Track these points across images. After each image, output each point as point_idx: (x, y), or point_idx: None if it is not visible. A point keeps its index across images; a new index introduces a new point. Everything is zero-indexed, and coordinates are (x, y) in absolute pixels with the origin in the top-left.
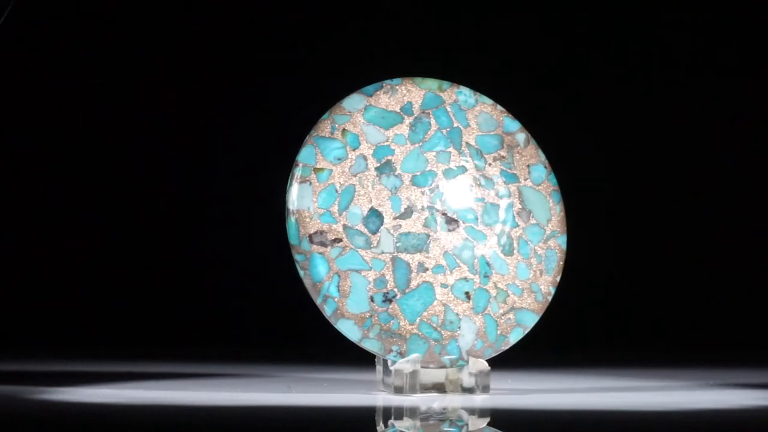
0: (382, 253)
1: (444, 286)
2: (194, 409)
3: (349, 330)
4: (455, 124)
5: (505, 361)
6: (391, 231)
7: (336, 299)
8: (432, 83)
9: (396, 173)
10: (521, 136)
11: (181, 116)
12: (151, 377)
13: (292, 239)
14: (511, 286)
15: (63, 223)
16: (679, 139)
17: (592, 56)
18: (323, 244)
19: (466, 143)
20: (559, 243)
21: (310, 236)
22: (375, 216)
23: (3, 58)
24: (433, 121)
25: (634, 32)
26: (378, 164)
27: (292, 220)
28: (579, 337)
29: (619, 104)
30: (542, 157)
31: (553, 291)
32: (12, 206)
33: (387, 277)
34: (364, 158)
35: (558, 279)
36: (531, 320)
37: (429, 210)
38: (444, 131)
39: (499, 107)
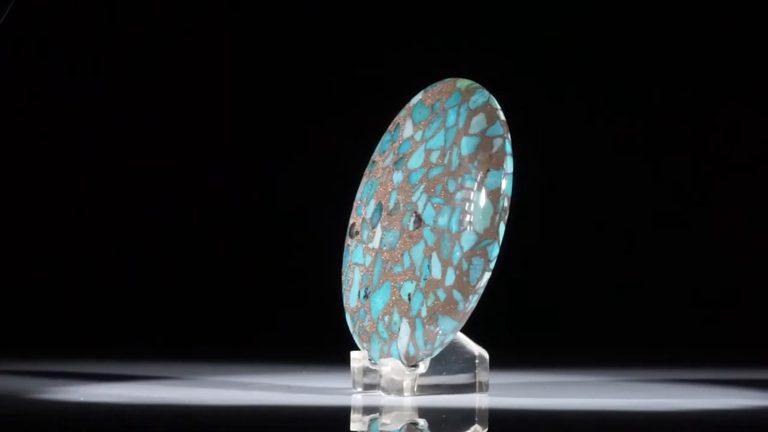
0: (373, 248)
1: (397, 286)
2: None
3: (348, 323)
4: (456, 124)
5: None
6: (383, 227)
7: (346, 292)
8: (463, 83)
9: (402, 169)
10: (498, 141)
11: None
12: (155, 378)
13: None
14: (439, 290)
15: (64, 223)
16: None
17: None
18: (351, 236)
19: (453, 143)
20: (487, 251)
21: (349, 227)
22: (378, 211)
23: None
24: (444, 120)
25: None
26: (397, 159)
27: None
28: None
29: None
30: (507, 164)
31: (474, 299)
32: (13, 206)
33: (369, 273)
34: (394, 153)
35: (479, 288)
36: (450, 327)
37: (408, 208)
38: (446, 130)
39: (499, 111)
